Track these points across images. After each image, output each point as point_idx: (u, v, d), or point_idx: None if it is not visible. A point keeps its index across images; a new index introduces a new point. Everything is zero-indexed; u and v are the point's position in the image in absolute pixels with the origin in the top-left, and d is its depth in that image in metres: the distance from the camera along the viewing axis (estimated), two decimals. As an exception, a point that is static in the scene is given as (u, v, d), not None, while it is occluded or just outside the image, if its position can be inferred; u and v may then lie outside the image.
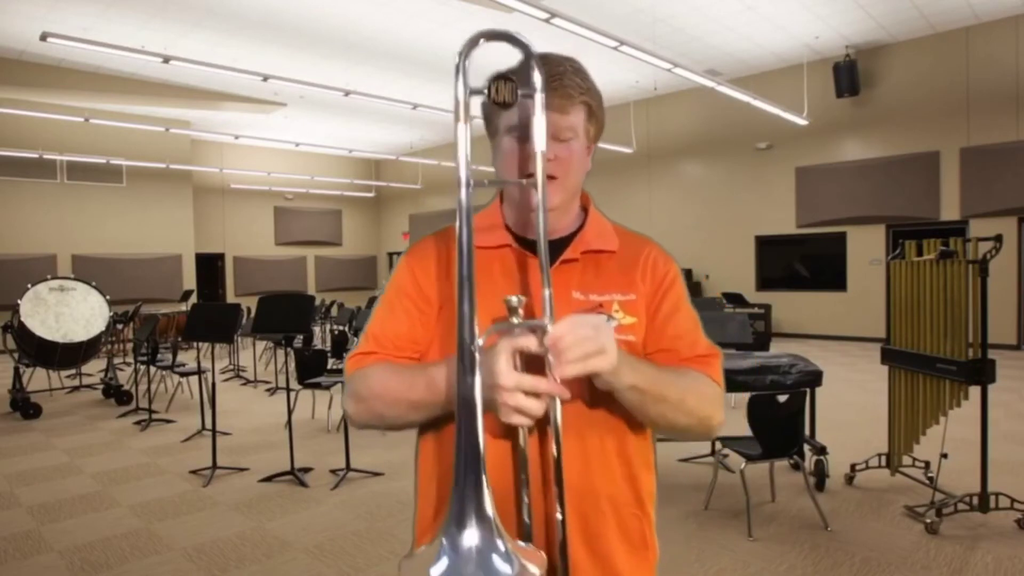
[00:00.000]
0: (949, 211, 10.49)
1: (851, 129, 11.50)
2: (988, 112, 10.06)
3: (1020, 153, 9.75)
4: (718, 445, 4.36)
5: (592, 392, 0.96)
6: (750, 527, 3.42)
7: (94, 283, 7.25)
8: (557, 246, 1.05)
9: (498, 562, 0.70)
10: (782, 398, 3.50)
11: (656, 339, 1.05)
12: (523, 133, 0.97)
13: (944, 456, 3.60)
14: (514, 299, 0.87)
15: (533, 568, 0.72)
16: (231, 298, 17.15)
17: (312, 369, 5.85)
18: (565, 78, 0.98)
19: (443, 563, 0.70)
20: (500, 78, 0.90)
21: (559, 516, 0.92)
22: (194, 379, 7.29)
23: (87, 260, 13.73)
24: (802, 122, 11.27)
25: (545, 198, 0.91)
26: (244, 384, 8.35)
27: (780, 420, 3.46)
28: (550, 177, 0.98)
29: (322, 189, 18.93)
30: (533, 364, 0.87)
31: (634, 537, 1.04)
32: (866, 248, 11.42)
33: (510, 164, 0.99)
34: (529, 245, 1.04)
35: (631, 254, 1.08)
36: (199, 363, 5.95)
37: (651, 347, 1.05)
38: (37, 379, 7.71)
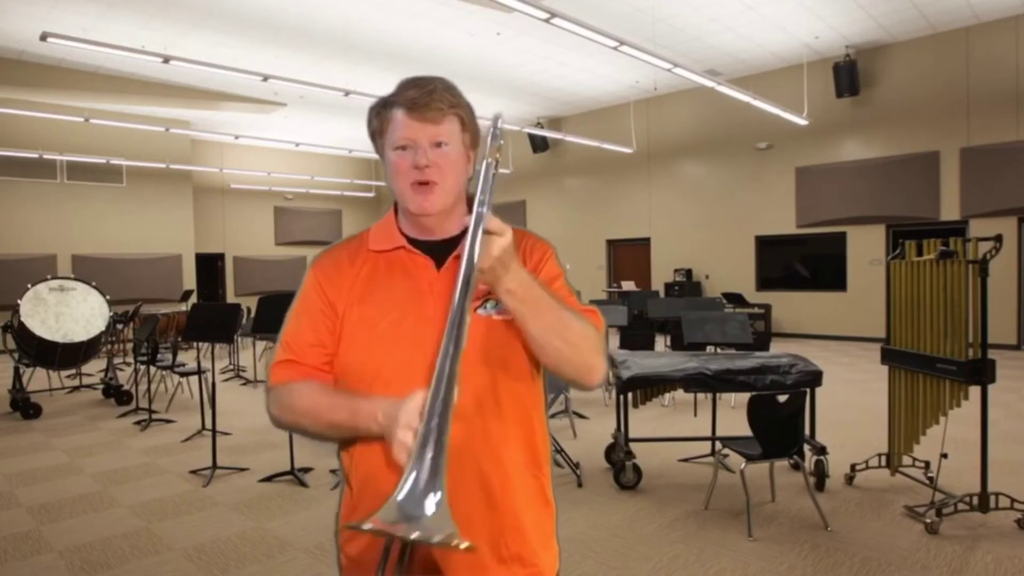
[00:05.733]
0: (949, 211, 10.49)
1: (851, 129, 11.50)
2: (988, 112, 10.06)
3: (1020, 153, 9.76)
4: (718, 445, 4.36)
5: (495, 375, 1.10)
6: (750, 527, 3.42)
7: (94, 283, 7.24)
8: (448, 245, 1.15)
9: (429, 503, 0.82)
10: (782, 398, 3.50)
11: None
12: (405, 148, 1.11)
13: (944, 456, 3.60)
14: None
15: (449, 526, 0.81)
16: (231, 298, 17.14)
17: (312, 369, 5.82)
18: (436, 94, 1.10)
19: (406, 488, 0.83)
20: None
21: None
22: (194, 379, 7.29)
23: (87, 260, 13.73)
24: (802, 122, 11.27)
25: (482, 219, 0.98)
26: (244, 384, 8.35)
27: (780, 420, 3.46)
28: (431, 183, 1.10)
29: (322, 189, 18.92)
30: None
31: (535, 496, 1.16)
32: (866, 248, 11.42)
33: (399, 175, 1.12)
34: (420, 246, 1.17)
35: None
36: (199, 363, 5.94)
37: None
38: (37, 379, 7.71)
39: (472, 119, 1.16)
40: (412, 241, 1.17)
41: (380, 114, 1.14)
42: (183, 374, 6.83)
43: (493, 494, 1.10)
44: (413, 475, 0.85)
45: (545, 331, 1.04)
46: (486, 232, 0.95)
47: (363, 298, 1.14)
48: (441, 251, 1.15)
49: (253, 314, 7.36)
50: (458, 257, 1.12)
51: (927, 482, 3.88)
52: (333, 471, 4.53)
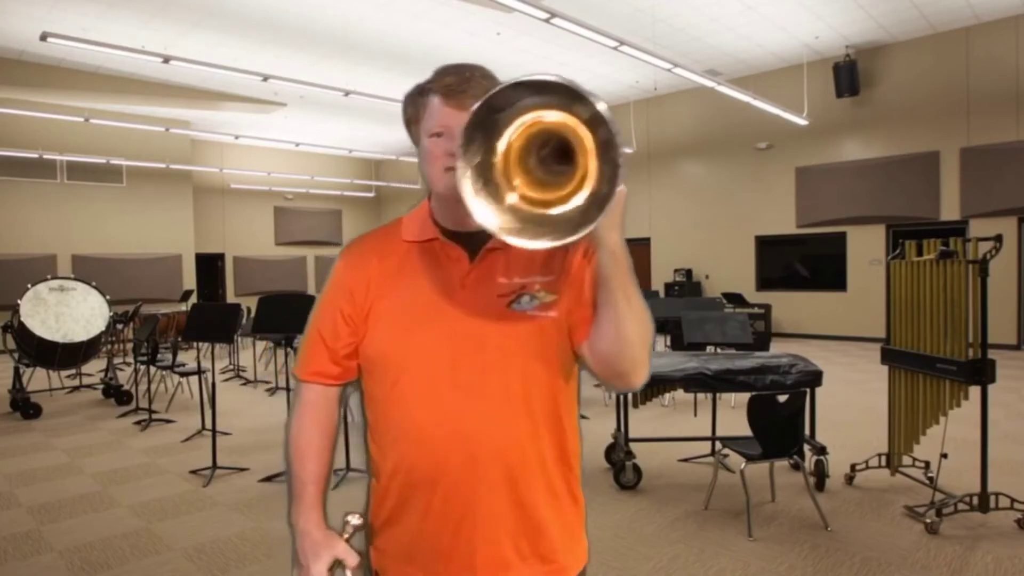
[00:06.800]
0: (949, 211, 10.49)
1: (851, 129, 11.50)
2: (988, 112, 10.06)
3: (1020, 153, 9.75)
4: (718, 445, 4.36)
5: (529, 370, 1.08)
6: (750, 527, 3.42)
7: (94, 283, 7.24)
8: (482, 236, 1.09)
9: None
10: (782, 398, 3.50)
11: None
12: (440, 135, 1.08)
13: (944, 456, 3.60)
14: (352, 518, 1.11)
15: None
16: (231, 298, 17.13)
17: (312, 369, 5.83)
18: (473, 81, 1.07)
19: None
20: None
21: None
22: (194, 379, 7.29)
23: (87, 260, 13.73)
24: (802, 122, 11.27)
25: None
26: (244, 384, 8.35)
27: (780, 420, 3.46)
28: None
29: (322, 189, 18.92)
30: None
31: (561, 494, 1.14)
32: (866, 248, 11.42)
33: (433, 161, 1.08)
34: (454, 237, 1.12)
35: None
36: (199, 363, 5.94)
37: (583, 306, 1.09)
38: (37, 379, 7.71)
39: None
40: (446, 232, 1.14)
41: (415, 101, 1.11)
42: (183, 374, 6.82)
43: (518, 491, 1.08)
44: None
45: (626, 307, 0.99)
46: None
47: (393, 289, 1.13)
48: (475, 243, 1.11)
49: (253, 314, 7.36)
50: (492, 249, 1.10)
51: (927, 482, 3.88)
52: (333, 471, 4.54)
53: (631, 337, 1.01)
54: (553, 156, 0.90)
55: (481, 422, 1.06)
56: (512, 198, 0.90)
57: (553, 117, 0.87)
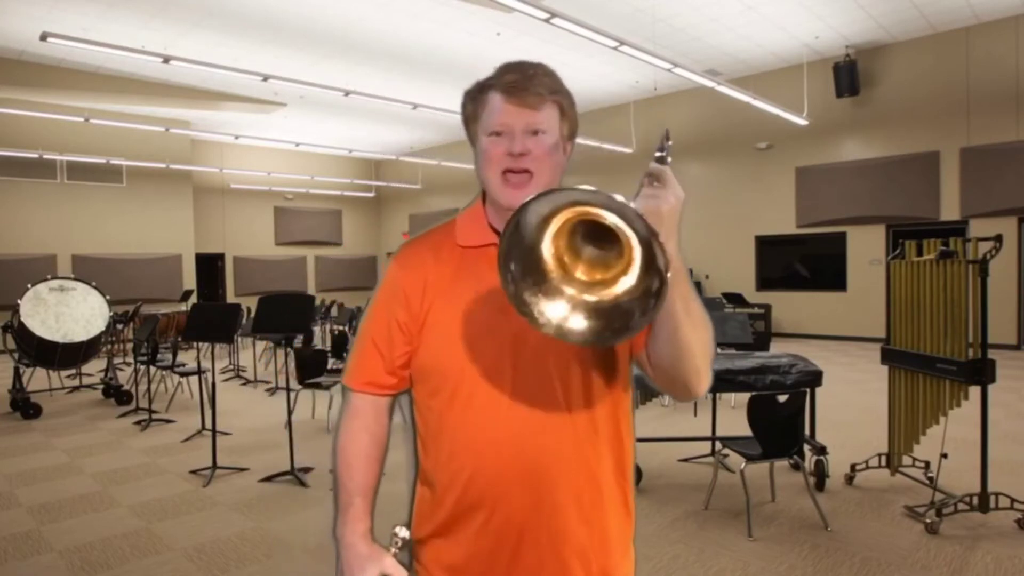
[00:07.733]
0: (949, 211, 10.49)
1: (851, 129, 11.50)
2: (988, 112, 10.06)
3: (1020, 153, 9.75)
4: (718, 445, 4.36)
5: (590, 373, 1.05)
6: (750, 527, 3.42)
7: (94, 283, 7.24)
8: None
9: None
10: (782, 398, 3.50)
11: None
12: (499, 134, 1.03)
13: (944, 456, 3.60)
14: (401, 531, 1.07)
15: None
16: (231, 298, 17.14)
17: (312, 369, 5.85)
18: (535, 79, 1.03)
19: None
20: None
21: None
22: (194, 379, 7.29)
23: (87, 260, 13.74)
24: (802, 122, 11.27)
25: None
26: (244, 384, 8.35)
27: (780, 420, 3.46)
28: (525, 171, 1.02)
29: (322, 189, 18.93)
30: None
31: (620, 507, 1.12)
32: (866, 248, 11.42)
33: (490, 163, 1.04)
34: None
35: None
36: (199, 363, 5.94)
37: None
38: (37, 379, 7.71)
39: (572, 108, 1.08)
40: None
41: (476, 98, 1.07)
42: (183, 374, 6.83)
43: (584, 507, 1.06)
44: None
45: (685, 315, 0.93)
46: (658, 182, 0.88)
47: (449, 297, 1.07)
48: None
49: (253, 314, 7.36)
50: None
51: (927, 482, 3.88)
52: (333, 471, 4.53)
53: (691, 346, 0.96)
54: (593, 233, 0.86)
55: (544, 435, 1.03)
56: (571, 290, 0.86)
57: (592, 210, 0.83)
